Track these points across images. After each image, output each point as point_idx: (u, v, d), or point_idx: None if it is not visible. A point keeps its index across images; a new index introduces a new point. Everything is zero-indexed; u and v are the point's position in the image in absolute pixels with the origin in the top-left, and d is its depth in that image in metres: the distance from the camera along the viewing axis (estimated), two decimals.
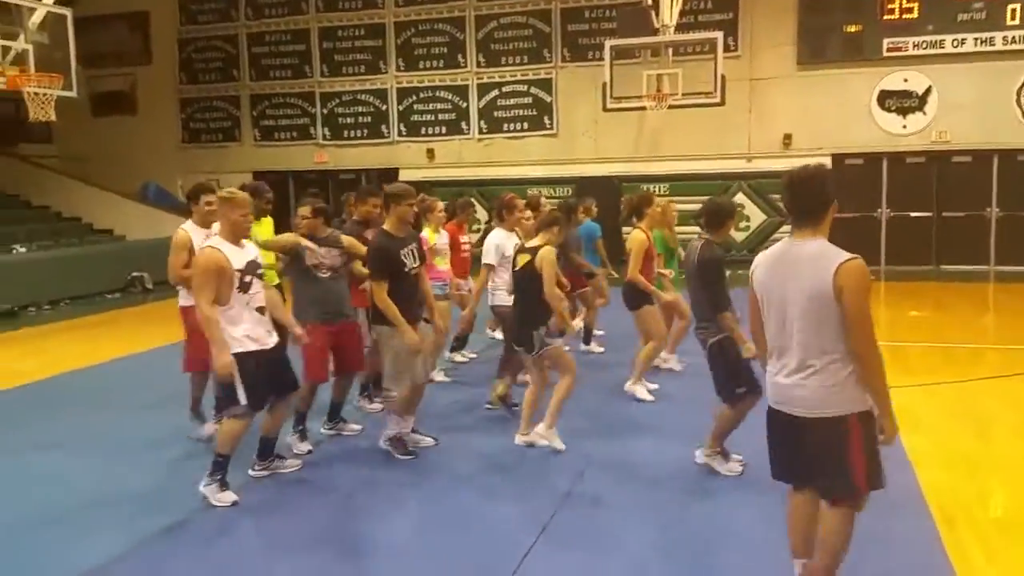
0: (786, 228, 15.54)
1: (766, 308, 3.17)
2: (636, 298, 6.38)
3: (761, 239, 15.32)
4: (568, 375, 5.29)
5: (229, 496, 4.53)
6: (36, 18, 8.93)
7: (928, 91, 14.16)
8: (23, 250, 12.49)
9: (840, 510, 3.09)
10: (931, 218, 14.57)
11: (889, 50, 14.07)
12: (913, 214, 14.61)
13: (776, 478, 3.30)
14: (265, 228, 5.70)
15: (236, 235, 4.51)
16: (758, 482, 4.38)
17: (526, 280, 5.22)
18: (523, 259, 5.23)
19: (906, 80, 14.21)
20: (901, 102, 14.29)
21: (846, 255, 2.96)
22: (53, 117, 8.87)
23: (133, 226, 16.07)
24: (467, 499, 4.62)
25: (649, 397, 6.39)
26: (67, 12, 9.16)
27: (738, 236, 15.38)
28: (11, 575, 3.87)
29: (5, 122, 16.39)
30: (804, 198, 3.12)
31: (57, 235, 14.29)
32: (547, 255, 5.16)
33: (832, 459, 3.05)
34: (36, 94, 8.62)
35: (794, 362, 3.05)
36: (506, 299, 5.83)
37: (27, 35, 8.70)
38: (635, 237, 6.39)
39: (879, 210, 14.78)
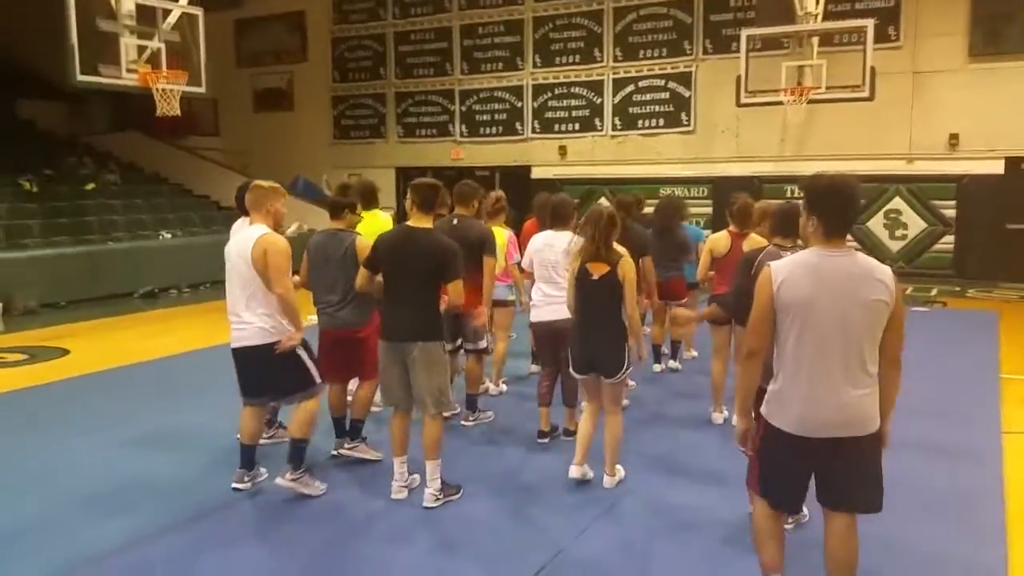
0: (949, 238, 13.96)
1: (802, 325, 2.92)
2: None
3: (920, 250, 13.88)
4: (620, 414, 4.77)
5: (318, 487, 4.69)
6: (172, 18, 9.49)
7: None
8: (168, 236, 13.47)
9: (855, 524, 3.05)
10: None
11: None
12: None
13: (786, 508, 3.21)
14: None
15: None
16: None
17: (607, 293, 4.58)
18: (599, 268, 4.57)
19: None
20: None
21: (884, 264, 3.00)
22: (178, 111, 9.45)
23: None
24: (473, 533, 4.29)
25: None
26: (199, 12, 9.66)
27: (894, 246, 14.02)
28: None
29: (177, 116, 17.79)
30: (854, 208, 3.06)
31: (209, 223, 15.28)
32: (630, 266, 4.61)
33: (872, 474, 3.01)
34: (165, 90, 9.20)
35: (843, 381, 2.90)
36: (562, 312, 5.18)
37: (160, 34, 9.25)
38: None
39: None
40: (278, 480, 4.55)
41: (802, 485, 3.08)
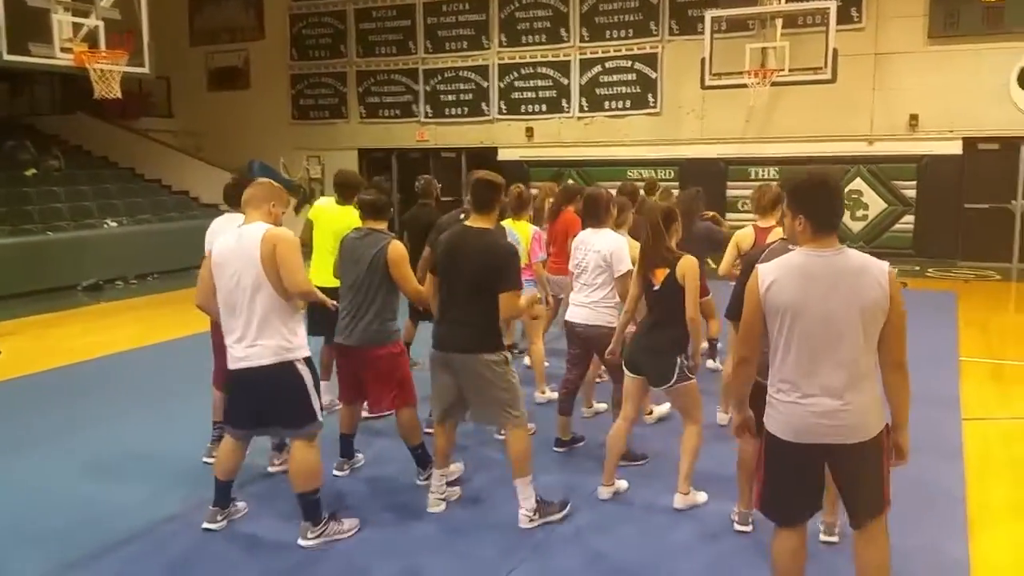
0: (909, 218, 14.00)
1: (791, 329, 2.82)
2: None
3: (880, 231, 13.92)
4: (696, 423, 4.36)
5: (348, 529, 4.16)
6: None
7: None
8: (114, 225, 12.96)
9: (881, 528, 2.94)
10: None
11: None
12: None
13: (786, 523, 2.98)
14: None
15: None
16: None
17: (669, 297, 4.28)
18: (659, 274, 4.28)
19: None
20: None
21: (881, 261, 2.87)
22: (118, 94, 8.99)
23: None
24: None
25: None
26: None
27: (855, 226, 14.04)
28: None
29: (128, 97, 17.19)
30: (841, 202, 2.96)
31: (159, 209, 14.80)
32: (691, 263, 4.26)
33: (872, 479, 2.89)
34: (103, 71, 8.76)
35: (834, 386, 2.78)
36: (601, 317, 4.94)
37: (97, 11, 8.80)
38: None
39: (1014, 201, 12.92)
40: (300, 542, 3.92)
41: (806, 497, 2.96)
